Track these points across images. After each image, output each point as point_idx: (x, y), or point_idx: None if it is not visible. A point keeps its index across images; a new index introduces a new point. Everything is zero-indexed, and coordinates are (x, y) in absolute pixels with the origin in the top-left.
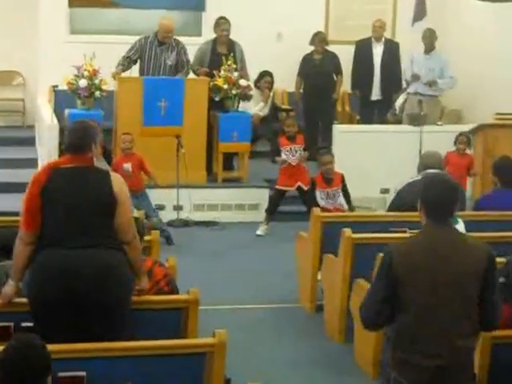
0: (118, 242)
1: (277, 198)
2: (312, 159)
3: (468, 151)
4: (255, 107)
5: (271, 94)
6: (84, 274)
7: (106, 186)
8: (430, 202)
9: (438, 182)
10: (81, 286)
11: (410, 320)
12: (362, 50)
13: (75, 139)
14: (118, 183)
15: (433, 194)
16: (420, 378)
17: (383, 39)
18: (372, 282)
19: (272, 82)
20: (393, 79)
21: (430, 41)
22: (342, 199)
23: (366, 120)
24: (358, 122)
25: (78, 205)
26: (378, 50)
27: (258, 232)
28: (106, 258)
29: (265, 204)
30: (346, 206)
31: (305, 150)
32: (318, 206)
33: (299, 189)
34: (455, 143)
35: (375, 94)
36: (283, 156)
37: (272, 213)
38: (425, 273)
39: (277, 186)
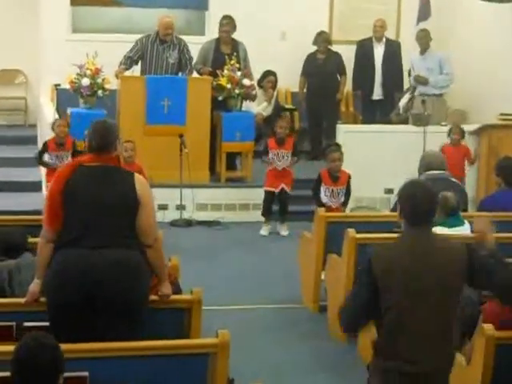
0: (137, 243)
1: (268, 199)
2: (315, 158)
3: (463, 142)
4: (258, 107)
5: (275, 93)
6: (102, 275)
7: (129, 186)
8: (408, 210)
9: (414, 188)
10: (99, 287)
11: (390, 326)
12: (363, 49)
13: (99, 139)
14: (142, 185)
15: (411, 203)
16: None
17: (384, 39)
18: (353, 287)
19: (275, 82)
20: (394, 79)
21: (424, 41)
22: (343, 198)
23: (368, 120)
24: (362, 122)
25: (100, 204)
26: (379, 50)
27: (262, 232)
28: (122, 257)
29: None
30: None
31: (293, 154)
32: (321, 201)
33: (282, 190)
34: (449, 135)
35: (377, 94)
36: (269, 156)
37: (267, 214)
38: (403, 277)
39: (264, 188)
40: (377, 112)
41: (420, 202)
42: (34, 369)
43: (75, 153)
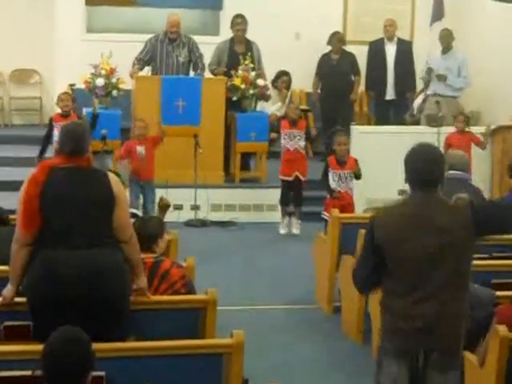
0: (116, 242)
1: (284, 189)
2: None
3: (467, 129)
4: (273, 107)
5: (289, 93)
6: (82, 275)
7: (104, 185)
8: (411, 173)
9: (420, 150)
10: (81, 287)
11: (395, 284)
12: (375, 50)
13: (72, 145)
14: (116, 183)
15: (414, 167)
16: (408, 341)
17: (395, 39)
18: (361, 249)
19: (289, 82)
20: (406, 78)
21: (446, 41)
22: (352, 184)
23: (381, 120)
24: (375, 123)
25: (78, 205)
26: (390, 50)
27: (281, 231)
28: (104, 257)
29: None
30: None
31: (306, 134)
32: (330, 187)
33: (296, 178)
34: (455, 123)
35: (389, 94)
36: (282, 141)
37: (285, 203)
38: (406, 238)
39: (280, 177)
40: (390, 112)
41: (421, 166)
42: (66, 365)
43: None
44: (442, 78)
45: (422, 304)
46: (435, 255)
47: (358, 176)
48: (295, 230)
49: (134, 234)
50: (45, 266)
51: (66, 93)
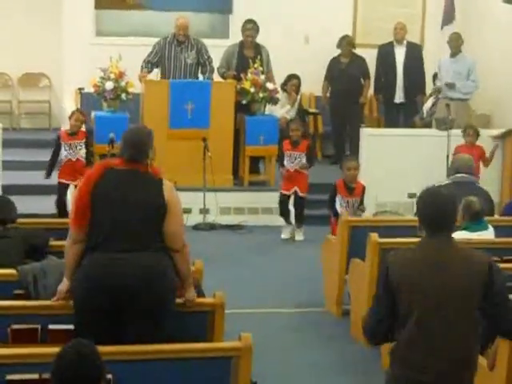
0: (164, 247)
1: (282, 201)
2: (338, 162)
3: (477, 143)
4: (282, 110)
5: (298, 96)
6: (129, 279)
7: (157, 192)
8: (426, 218)
9: (433, 196)
10: (125, 291)
11: (406, 332)
12: (385, 53)
13: (133, 150)
14: (170, 191)
15: (428, 211)
16: None
17: (405, 42)
18: (374, 296)
19: (299, 85)
20: (416, 81)
21: (455, 44)
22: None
23: (391, 123)
24: (385, 126)
25: (127, 208)
26: (400, 53)
27: (283, 236)
28: (150, 261)
29: (292, 207)
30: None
31: (308, 155)
32: (336, 211)
33: (295, 193)
34: (463, 136)
35: (399, 97)
36: (285, 161)
37: (285, 215)
38: (420, 284)
39: (281, 191)
40: (400, 115)
41: (437, 212)
42: (76, 379)
43: (89, 143)
44: (451, 87)
45: (433, 355)
46: (447, 302)
47: (362, 210)
48: (298, 237)
49: (187, 245)
50: (86, 269)
51: (80, 112)
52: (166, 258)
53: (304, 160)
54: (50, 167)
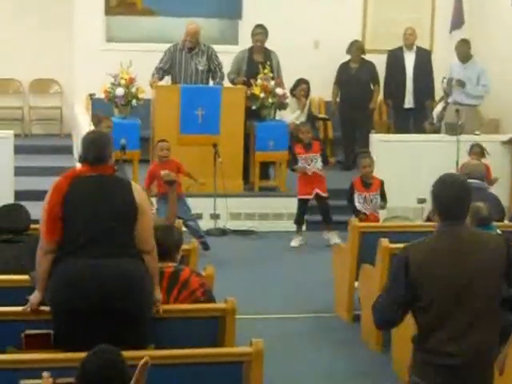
0: (137, 252)
1: (301, 208)
2: (348, 168)
3: (483, 160)
4: (291, 115)
5: (307, 101)
6: (106, 284)
7: (127, 194)
8: (443, 206)
9: (450, 182)
10: (103, 296)
11: (430, 320)
12: (394, 59)
13: (96, 152)
14: (140, 192)
15: (446, 195)
16: (440, 378)
17: (415, 47)
18: (386, 283)
19: (308, 90)
20: (425, 87)
21: (463, 50)
22: (378, 204)
23: (401, 128)
24: (395, 131)
25: (100, 213)
26: (409, 59)
27: (292, 244)
28: (128, 267)
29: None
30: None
31: (322, 156)
32: (356, 209)
33: (317, 196)
34: (470, 154)
35: (408, 102)
36: (300, 165)
37: (299, 223)
38: (444, 273)
39: (298, 196)
40: (409, 121)
41: (452, 199)
42: None
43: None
44: (460, 84)
45: (457, 340)
46: (470, 289)
47: (382, 207)
48: (336, 240)
49: (155, 246)
50: (64, 275)
51: (106, 117)
52: (140, 262)
53: (319, 162)
54: None
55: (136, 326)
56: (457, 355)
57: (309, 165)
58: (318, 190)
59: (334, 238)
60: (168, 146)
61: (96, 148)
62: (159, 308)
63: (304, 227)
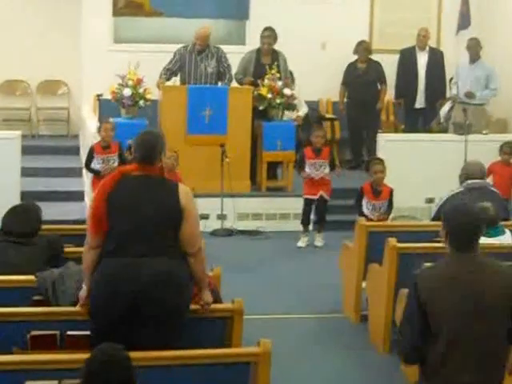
0: (180, 252)
1: (306, 208)
2: (355, 168)
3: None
4: (301, 110)
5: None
6: (144, 283)
7: (172, 197)
8: (454, 231)
9: (460, 210)
10: (142, 296)
11: (438, 349)
12: (407, 58)
13: (144, 151)
14: (186, 195)
15: (456, 223)
16: None
17: (427, 48)
18: (403, 313)
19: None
20: (437, 87)
21: (474, 50)
22: (385, 210)
23: (411, 128)
24: (403, 131)
25: (143, 214)
26: (422, 59)
27: (299, 244)
28: (167, 267)
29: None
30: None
31: (330, 164)
32: (363, 213)
33: (321, 198)
34: (500, 153)
35: (419, 103)
36: (307, 169)
37: (306, 223)
38: (450, 301)
39: (304, 196)
40: (419, 120)
41: (469, 229)
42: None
43: (122, 156)
44: (470, 96)
45: (467, 371)
46: (480, 319)
47: (388, 214)
48: (318, 243)
49: (202, 248)
50: (103, 274)
51: (109, 122)
52: (182, 263)
53: (327, 168)
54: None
55: (170, 325)
56: None
57: (317, 170)
58: (322, 193)
59: (318, 240)
60: (175, 156)
61: (144, 147)
62: (206, 309)
63: (310, 227)
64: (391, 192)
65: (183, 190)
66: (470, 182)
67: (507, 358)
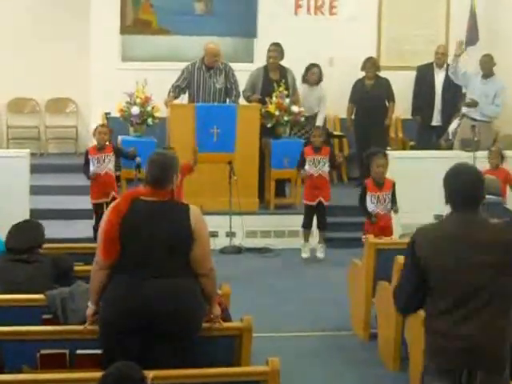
0: (191, 272)
1: (308, 213)
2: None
3: (502, 165)
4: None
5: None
6: (157, 303)
7: (184, 220)
8: (455, 193)
9: (463, 170)
10: (153, 315)
11: (435, 305)
12: (424, 75)
13: (157, 173)
14: (197, 217)
15: (457, 186)
16: (451, 360)
17: (445, 65)
18: (402, 269)
19: (320, 74)
20: (454, 106)
21: (488, 66)
22: (390, 204)
23: (424, 145)
24: (411, 148)
25: (155, 238)
26: (439, 77)
27: (303, 255)
28: (180, 288)
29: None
30: (392, 209)
31: (330, 161)
32: (367, 211)
33: (319, 203)
34: (488, 160)
35: (436, 120)
36: (307, 166)
37: (307, 227)
38: (451, 257)
39: (303, 201)
40: (432, 138)
41: (463, 186)
42: None
43: (120, 153)
44: (472, 105)
45: (464, 323)
46: (477, 273)
47: (396, 211)
48: (319, 254)
49: (214, 268)
50: (114, 295)
51: (103, 125)
52: (194, 284)
53: (326, 166)
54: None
55: (182, 346)
56: (462, 338)
57: (316, 166)
58: (321, 198)
59: (320, 251)
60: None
61: (156, 169)
62: (217, 323)
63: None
64: (393, 184)
65: (194, 212)
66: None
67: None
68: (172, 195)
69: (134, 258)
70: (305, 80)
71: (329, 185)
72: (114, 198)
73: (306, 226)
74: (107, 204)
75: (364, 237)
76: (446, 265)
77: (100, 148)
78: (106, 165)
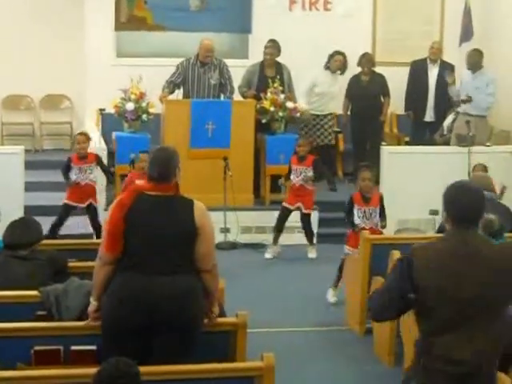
0: (194, 268)
1: (282, 215)
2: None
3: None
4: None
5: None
6: (162, 299)
7: (188, 215)
8: (454, 210)
9: (465, 189)
10: (158, 311)
11: (432, 326)
12: (418, 70)
13: (159, 168)
14: (201, 212)
15: (462, 201)
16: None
17: (439, 61)
18: (387, 279)
19: (345, 62)
20: (447, 101)
21: (473, 60)
22: (377, 219)
23: (418, 141)
24: (406, 144)
25: (160, 233)
26: (433, 72)
27: (267, 256)
28: (182, 284)
29: (315, 226)
30: (379, 224)
31: (315, 171)
32: (353, 224)
33: (302, 214)
34: (473, 171)
35: (429, 116)
36: (291, 176)
37: (278, 230)
38: (447, 278)
39: (283, 203)
40: (426, 133)
41: (465, 204)
42: None
43: (102, 165)
44: (468, 101)
45: (465, 346)
46: (479, 293)
47: (383, 227)
48: (311, 255)
49: (216, 264)
50: (118, 291)
51: (82, 134)
52: (197, 280)
53: (310, 174)
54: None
55: (183, 339)
56: (458, 363)
57: (298, 177)
58: (300, 204)
59: (311, 252)
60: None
61: (159, 165)
62: (214, 320)
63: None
64: (381, 197)
65: (199, 208)
66: None
67: (503, 335)
68: (177, 189)
69: (135, 253)
70: (327, 67)
71: (311, 195)
72: (90, 204)
73: (277, 229)
74: (80, 209)
75: (347, 247)
76: (447, 284)
77: (82, 157)
78: (87, 175)
